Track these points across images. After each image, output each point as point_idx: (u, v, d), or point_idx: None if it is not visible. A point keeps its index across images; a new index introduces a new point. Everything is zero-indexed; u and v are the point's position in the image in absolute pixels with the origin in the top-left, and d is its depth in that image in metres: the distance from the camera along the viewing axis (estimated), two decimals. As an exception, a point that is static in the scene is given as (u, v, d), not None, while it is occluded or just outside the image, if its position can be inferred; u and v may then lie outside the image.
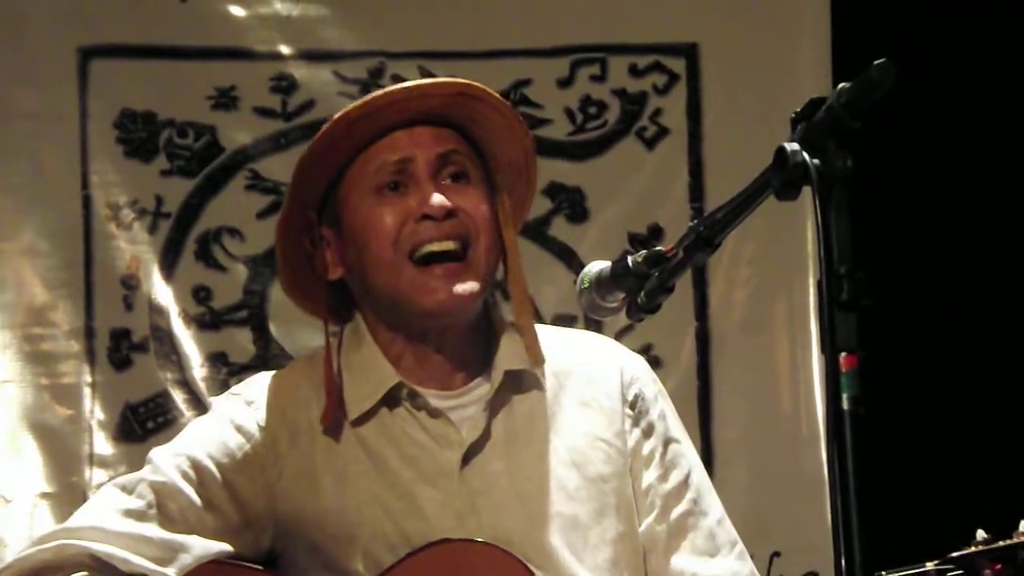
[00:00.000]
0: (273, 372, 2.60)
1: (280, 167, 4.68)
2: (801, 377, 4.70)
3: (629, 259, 2.34)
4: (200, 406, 4.56)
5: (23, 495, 4.46)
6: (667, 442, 2.59)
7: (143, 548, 2.39)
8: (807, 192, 1.92)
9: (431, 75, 4.71)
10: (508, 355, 2.55)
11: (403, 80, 4.67)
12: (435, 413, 2.51)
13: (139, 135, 4.65)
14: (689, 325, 4.74)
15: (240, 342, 4.64)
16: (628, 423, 2.57)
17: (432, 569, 2.40)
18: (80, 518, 2.45)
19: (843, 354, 1.83)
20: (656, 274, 2.30)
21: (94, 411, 4.53)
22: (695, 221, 2.23)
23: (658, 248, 2.33)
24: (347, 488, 2.47)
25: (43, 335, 4.55)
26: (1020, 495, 4.46)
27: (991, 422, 4.56)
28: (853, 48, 4.59)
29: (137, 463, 2.54)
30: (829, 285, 1.84)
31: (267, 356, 4.62)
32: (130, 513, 2.42)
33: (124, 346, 4.58)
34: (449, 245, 2.48)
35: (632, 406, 2.59)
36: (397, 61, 4.75)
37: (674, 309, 4.30)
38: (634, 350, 2.71)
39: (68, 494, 4.36)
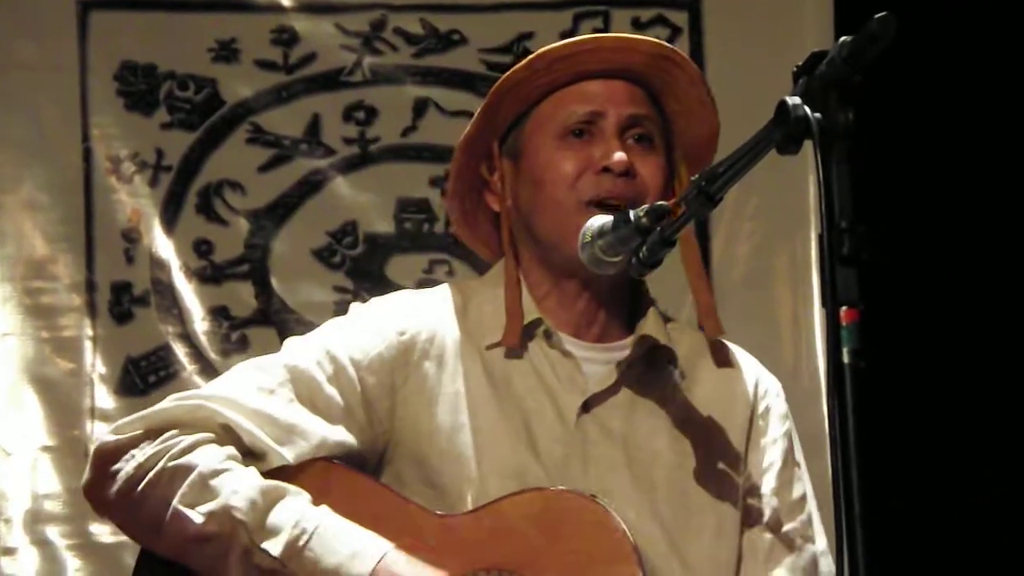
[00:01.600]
0: (412, 291, 2.67)
1: (281, 120, 4.67)
2: (803, 332, 4.70)
3: (631, 213, 2.34)
4: (202, 360, 4.57)
5: (24, 448, 4.46)
6: (788, 461, 2.61)
7: (266, 426, 2.45)
8: (809, 146, 1.91)
9: (434, 28, 4.70)
10: (652, 326, 2.58)
11: (405, 33, 4.72)
12: (567, 355, 2.55)
13: (139, 87, 4.63)
14: (691, 279, 4.73)
15: (242, 296, 4.64)
16: (754, 432, 2.60)
17: (531, 511, 2.42)
18: (214, 388, 2.51)
19: (844, 308, 1.83)
20: (658, 228, 2.29)
21: (95, 365, 4.54)
22: (697, 175, 2.23)
23: (660, 202, 2.34)
24: (465, 409, 2.50)
25: (44, 288, 4.55)
26: (1022, 450, 4.48)
27: (993, 376, 4.56)
28: (855, 1, 4.56)
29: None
30: (830, 239, 1.84)
31: (269, 310, 4.62)
32: (262, 390, 2.48)
33: (125, 299, 4.58)
34: (619, 203, 2.51)
35: (762, 417, 2.62)
36: (399, 14, 4.73)
37: (676, 264, 4.28)
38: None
39: (69, 448, 4.37)
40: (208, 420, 2.45)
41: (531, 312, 2.56)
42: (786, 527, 2.57)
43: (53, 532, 4.42)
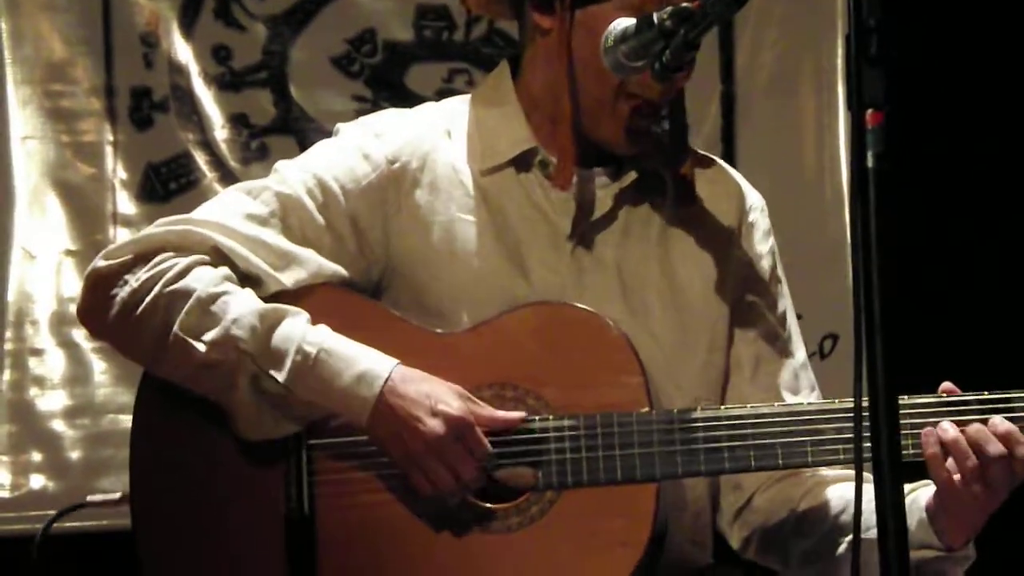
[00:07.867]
0: (405, 110, 2.61)
1: (299, -76, 4.62)
2: (827, 140, 4.70)
3: (655, 15, 2.31)
4: (222, 168, 4.57)
5: (48, 251, 4.50)
6: (772, 277, 2.61)
7: (260, 252, 2.44)
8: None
9: None
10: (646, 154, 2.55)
11: None
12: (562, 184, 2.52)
13: None
14: (714, 89, 4.72)
15: (261, 103, 4.63)
16: (739, 249, 2.59)
17: (531, 326, 2.43)
18: (204, 212, 2.48)
19: (870, 110, 1.81)
20: (682, 31, 2.27)
21: (116, 170, 4.54)
22: (722, -24, 2.20)
23: (684, 4, 2.30)
24: (460, 236, 2.49)
25: (63, 92, 4.53)
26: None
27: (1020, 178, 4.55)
28: None
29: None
30: (857, 39, 1.81)
31: (288, 118, 4.61)
32: (252, 217, 2.45)
33: (145, 105, 4.57)
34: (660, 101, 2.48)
35: (747, 234, 2.60)
36: None
37: (699, 72, 4.22)
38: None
39: (92, 251, 4.29)
40: (201, 244, 2.42)
41: (526, 139, 2.52)
42: (769, 343, 2.58)
43: (79, 334, 4.47)
